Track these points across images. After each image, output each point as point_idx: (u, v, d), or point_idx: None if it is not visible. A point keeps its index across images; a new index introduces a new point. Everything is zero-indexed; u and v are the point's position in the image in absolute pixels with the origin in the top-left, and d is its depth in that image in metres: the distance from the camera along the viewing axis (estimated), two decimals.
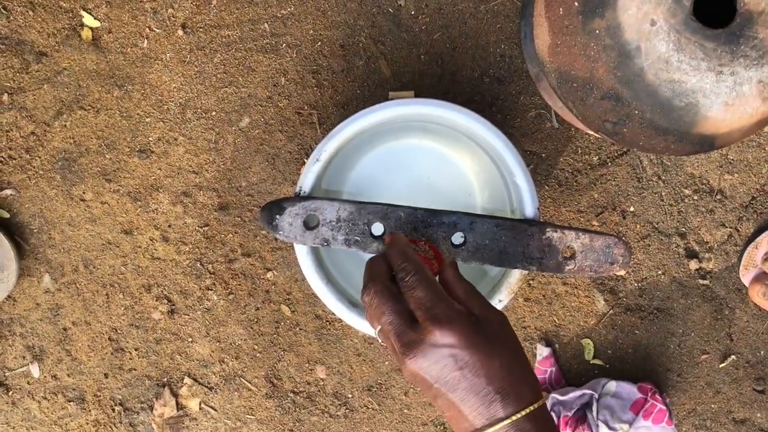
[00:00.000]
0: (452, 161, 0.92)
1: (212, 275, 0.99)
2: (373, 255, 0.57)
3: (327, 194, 0.89)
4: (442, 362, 0.50)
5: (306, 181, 0.81)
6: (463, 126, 0.81)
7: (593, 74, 0.71)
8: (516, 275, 0.82)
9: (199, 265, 0.99)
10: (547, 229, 0.80)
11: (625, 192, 0.99)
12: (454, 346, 0.49)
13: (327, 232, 0.78)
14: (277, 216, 0.80)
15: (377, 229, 0.80)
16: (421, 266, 0.54)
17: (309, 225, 0.79)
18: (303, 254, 0.82)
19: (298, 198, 0.80)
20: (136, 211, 0.98)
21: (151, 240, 0.99)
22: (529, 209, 0.81)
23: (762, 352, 1.02)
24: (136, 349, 1.01)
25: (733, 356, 1.02)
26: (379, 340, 0.55)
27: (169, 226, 0.98)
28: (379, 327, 0.53)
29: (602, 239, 0.80)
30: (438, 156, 0.93)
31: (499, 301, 0.83)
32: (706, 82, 0.69)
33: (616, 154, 0.98)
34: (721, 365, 1.02)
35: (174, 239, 0.99)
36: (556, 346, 1.02)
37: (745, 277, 1.00)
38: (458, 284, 0.58)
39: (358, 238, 0.79)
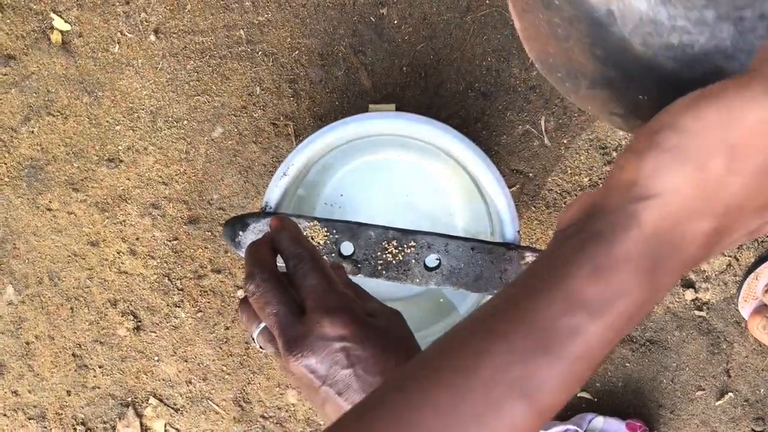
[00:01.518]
0: (432, 178, 0.89)
1: (180, 291, 0.96)
2: (255, 240, 0.51)
3: (298, 210, 0.86)
4: (331, 357, 0.44)
5: (272, 196, 0.78)
6: (440, 142, 0.78)
7: (570, 57, 0.59)
8: None
9: (167, 280, 0.96)
10: (527, 254, 0.77)
11: None
12: (345, 339, 0.44)
13: None
14: (240, 232, 0.77)
15: (347, 248, 0.77)
16: (315, 252, 0.48)
17: None
18: None
19: (263, 214, 0.77)
20: (103, 222, 0.96)
21: (118, 253, 0.96)
22: (509, 232, 0.78)
23: (762, 390, 0.97)
24: (100, 367, 0.98)
25: (730, 393, 0.97)
26: (257, 345, 0.49)
27: (137, 239, 0.96)
28: (259, 327, 0.48)
29: None
30: (418, 172, 0.90)
31: None
32: (723, 37, 0.47)
33: (607, 176, 0.94)
34: (717, 403, 0.98)
35: (142, 253, 0.96)
36: None
37: (744, 309, 0.96)
38: (350, 284, 0.53)
39: (326, 257, 0.76)
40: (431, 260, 0.78)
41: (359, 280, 0.90)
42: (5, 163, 0.95)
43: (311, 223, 0.76)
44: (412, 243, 0.77)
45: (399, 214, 0.90)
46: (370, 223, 0.77)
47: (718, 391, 0.98)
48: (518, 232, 0.79)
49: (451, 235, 0.77)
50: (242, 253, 0.76)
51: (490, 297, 0.78)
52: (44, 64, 0.94)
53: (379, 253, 0.77)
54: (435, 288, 0.79)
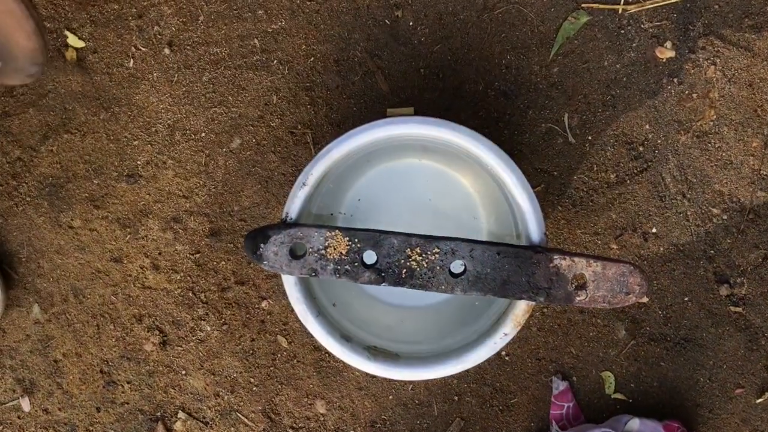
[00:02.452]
0: (455, 181, 0.88)
1: (205, 305, 0.96)
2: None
3: (319, 219, 0.85)
4: None
5: (292, 206, 0.77)
6: (461, 145, 0.76)
7: None
8: (522, 306, 0.76)
9: (191, 294, 0.96)
10: (555, 257, 0.74)
11: (647, 212, 0.93)
12: None
13: (315, 261, 0.74)
14: (262, 245, 0.75)
15: (369, 257, 0.75)
16: None
17: (296, 254, 0.74)
18: (290, 285, 0.78)
19: (284, 225, 0.76)
20: (125, 238, 0.95)
21: (141, 268, 0.96)
22: (535, 234, 0.76)
23: None
24: (128, 382, 0.98)
25: None
26: None
27: (160, 253, 0.95)
28: None
29: (616, 267, 0.74)
30: (440, 176, 0.88)
31: (504, 334, 0.77)
32: None
33: (635, 171, 0.92)
34: (758, 400, 0.95)
35: (165, 267, 0.96)
36: (574, 379, 0.96)
37: None
38: None
39: (349, 268, 0.74)
40: (456, 266, 0.75)
41: (383, 289, 0.90)
42: (26, 183, 0.96)
43: (333, 233, 0.74)
44: (437, 249, 0.75)
45: (422, 219, 0.89)
46: (393, 231, 0.75)
47: (759, 389, 0.95)
48: (545, 234, 0.77)
49: (476, 240, 0.75)
50: (265, 266, 0.75)
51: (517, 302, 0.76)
52: (60, 82, 0.94)
53: (402, 261, 0.75)
54: (461, 295, 0.77)
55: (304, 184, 0.76)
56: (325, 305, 0.82)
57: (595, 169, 0.92)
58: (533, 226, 0.76)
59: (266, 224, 0.78)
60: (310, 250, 0.73)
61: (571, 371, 0.96)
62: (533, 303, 0.76)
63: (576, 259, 0.73)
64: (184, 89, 0.93)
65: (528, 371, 0.96)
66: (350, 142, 0.76)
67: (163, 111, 0.93)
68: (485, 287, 0.75)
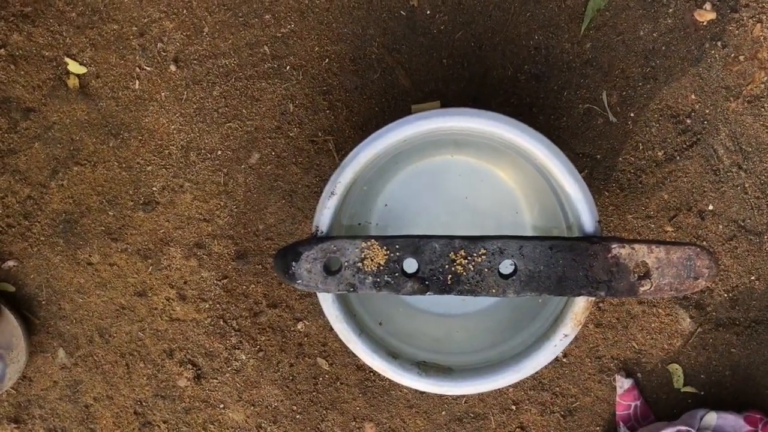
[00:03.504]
0: (492, 175, 0.83)
1: (238, 332, 0.92)
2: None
3: (350, 230, 0.80)
4: None
5: (322, 219, 0.72)
6: (496, 134, 0.71)
7: None
8: (581, 303, 0.71)
9: (222, 322, 0.91)
10: (613, 245, 0.69)
11: (701, 189, 0.87)
12: None
13: (352, 275, 0.69)
14: (293, 263, 0.71)
15: (410, 265, 0.70)
16: None
17: (331, 269, 0.70)
18: (328, 304, 0.73)
19: (315, 239, 0.71)
20: (147, 270, 0.91)
21: (167, 300, 0.92)
22: (588, 223, 0.71)
23: None
24: (164, 422, 0.94)
25: None
26: None
27: (185, 282, 0.91)
28: None
29: (681, 250, 0.69)
30: (475, 171, 0.84)
31: (565, 335, 0.72)
32: None
33: (684, 146, 0.86)
34: None
35: (192, 297, 0.91)
36: (639, 375, 0.90)
37: None
38: None
39: (389, 279, 0.70)
40: (506, 267, 0.71)
41: (427, 299, 0.85)
42: (39, 222, 0.92)
43: (369, 243, 0.70)
44: (483, 250, 0.70)
45: (460, 219, 0.85)
46: (433, 234, 0.70)
47: None
48: (598, 222, 0.72)
49: (525, 236, 0.70)
50: (299, 286, 0.70)
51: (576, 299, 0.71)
52: (65, 112, 0.90)
53: (447, 267, 0.70)
54: (514, 297, 0.72)
55: (332, 194, 0.72)
56: (367, 322, 0.78)
57: (640, 147, 0.87)
58: (585, 215, 0.71)
59: (296, 240, 0.74)
60: (346, 264, 0.69)
61: (635, 367, 0.90)
62: (593, 299, 0.71)
63: (636, 246, 0.69)
64: (195, 107, 0.89)
65: (588, 371, 0.90)
66: (378, 143, 0.72)
67: (174, 132, 0.89)
68: (540, 286, 0.70)
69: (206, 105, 0.89)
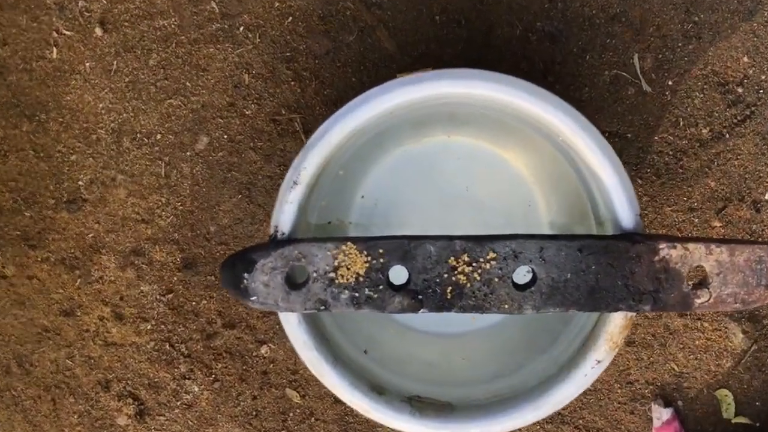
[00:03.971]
0: (498, 160, 0.74)
1: (188, 358, 0.81)
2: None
3: (321, 231, 0.68)
4: None
5: (282, 217, 0.60)
6: (506, 103, 0.59)
7: None
8: (618, 321, 0.59)
9: (168, 346, 0.81)
10: (661, 245, 0.58)
11: (755, 173, 0.77)
12: None
13: (323, 289, 0.57)
14: (246, 275, 0.59)
15: (398, 275, 0.58)
16: None
17: (295, 282, 0.58)
18: (293, 326, 0.62)
19: (274, 244, 0.59)
20: (74, 283, 0.80)
21: (100, 320, 0.81)
22: (627, 218, 0.60)
23: None
24: None
25: None
26: None
27: (121, 298, 0.81)
28: None
29: (749, 251, 0.60)
30: (477, 155, 0.73)
31: (597, 362, 0.61)
32: None
33: (735, 121, 0.75)
34: None
35: (130, 316, 0.80)
36: (680, 403, 0.79)
37: None
38: None
39: (371, 294, 0.57)
40: (521, 275, 0.58)
41: (421, 316, 0.72)
42: None
43: (344, 247, 0.57)
44: (492, 254, 0.57)
45: (459, 216, 0.74)
46: (427, 235, 0.57)
47: None
48: (639, 215, 0.58)
49: (547, 235, 0.57)
50: (254, 304, 0.57)
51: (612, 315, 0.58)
52: None
53: (446, 276, 0.57)
54: (532, 314, 0.57)
55: (295, 183, 0.59)
56: (344, 347, 0.64)
57: (681, 123, 0.76)
58: (624, 208, 0.59)
59: (250, 246, 0.60)
60: (315, 274, 0.57)
61: (675, 394, 0.79)
62: (634, 314, 0.59)
63: (691, 246, 0.58)
64: (127, 80, 0.77)
65: (618, 400, 0.80)
66: (354, 116, 0.59)
67: (103, 112, 0.78)
68: (566, 300, 0.58)
69: (141, 78, 0.78)
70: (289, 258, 0.56)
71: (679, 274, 0.56)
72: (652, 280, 0.56)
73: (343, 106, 0.58)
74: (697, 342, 0.78)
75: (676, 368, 0.78)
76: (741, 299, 0.57)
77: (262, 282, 0.57)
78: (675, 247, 0.56)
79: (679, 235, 0.74)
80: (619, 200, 0.57)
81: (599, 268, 0.56)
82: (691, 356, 0.78)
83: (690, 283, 0.56)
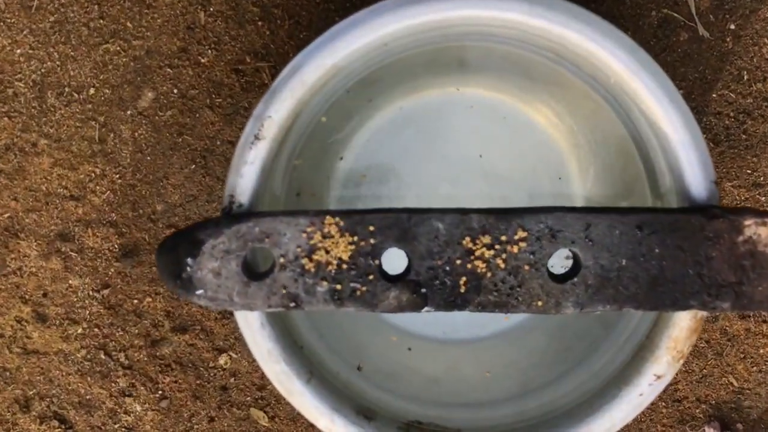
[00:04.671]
0: (522, 119, 0.63)
1: (128, 370, 0.69)
2: None
3: (295, 203, 0.55)
4: None
5: (241, 182, 0.48)
6: (540, 32, 0.47)
7: None
8: (685, 322, 0.47)
9: (103, 355, 0.69)
10: (747, 222, 0.48)
11: None
12: None
13: (293, 279, 0.45)
14: (189, 260, 0.46)
15: (395, 261, 0.46)
16: None
17: (256, 270, 0.46)
18: (254, 330, 0.51)
19: (229, 218, 0.46)
20: None
21: (18, 322, 0.70)
22: (700, 186, 0.50)
23: None
24: None
25: None
26: None
27: (45, 294, 0.69)
28: None
29: None
30: (494, 113, 0.62)
31: (657, 377, 0.51)
32: None
33: None
34: None
35: (56, 316, 0.69)
36: (740, 426, 0.68)
37: None
38: None
39: (358, 284, 0.45)
40: (558, 260, 0.46)
41: (422, 316, 0.60)
42: None
43: (323, 223, 0.44)
44: (521, 233, 0.45)
45: (471, 190, 0.64)
46: (434, 208, 0.45)
47: None
48: (714, 182, 0.46)
49: (596, 208, 0.44)
50: (199, 299, 0.44)
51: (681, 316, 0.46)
52: None
53: (458, 262, 0.46)
54: (575, 313, 0.45)
55: (256, 138, 0.47)
56: (322, 355, 0.52)
57: (745, 78, 0.65)
58: (695, 172, 0.49)
59: (196, 222, 0.47)
60: (282, 260, 0.45)
61: (733, 414, 0.68)
62: (706, 314, 0.48)
63: None
64: (52, 19, 0.66)
65: (663, 422, 0.70)
66: (334, 49, 0.48)
67: (22, 60, 0.66)
68: (620, 295, 0.47)
69: (70, 16, 0.65)
70: (248, 238, 0.44)
71: None
72: (734, 269, 0.44)
73: (321, 34, 0.45)
74: (761, 351, 0.66)
75: (734, 383, 0.67)
76: None
77: (212, 270, 0.44)
78: (765, 224, 0.44)
79: None
80: (689, 163, 0.45)
81: (664, 251, 0.44)
82: (755, 368, 0.67)
83: None
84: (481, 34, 0.47)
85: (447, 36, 0.47)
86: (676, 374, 0.66)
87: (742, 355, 0.67)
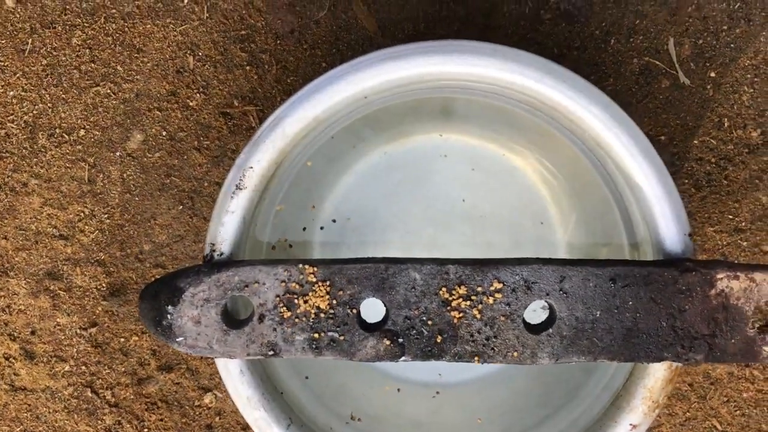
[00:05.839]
0: (506, 165, 0.63)
1: (115, 408, 0.69)
2: None
3: (276, 253, 0.55)
4: None
5: (222, 231, 0.49)
6: (519, 89, 0.48)
7: None
8: (660, 373, 0.48)
9: (90, 393, 0.69)
10: (719, 275, 0.48)
11: None
12: None
13: (272, 328, 0.45)
14: (170, 308, 0.47)
15: (372, 310, 0.47)
16: None
17: (236, 318, 0.47)
18: (233, 377, 0.50)
19: (209, 267, 0.46)
20: None
21: (6, 359, 0.69)
22: (674, 238, 0.50)
23: None
24: None
25: None
26: None
27: (33, 332, 0.69)
28: None
29: None
30: (478, 159, 0.62)
31: (632, 426, 0.50)
32: None
33: None
34: None
35: (44, 354, 0.69)
36: None
37: None
38: None
39: (336, 334, 0.46)
40: (534, 311, 0.46)
41: (404, 365, 0.61)
42: None
43: (300, 273, 0.44)
44: (497, 284, 0.45)
45: (454, 235, 0.63)
46: (411, 257, 0.45)
47: None
48: (689, 235, 0.46)
49: (570, 260, 0.45)
50: (179, 346, 0.45)
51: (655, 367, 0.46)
52: None
53: (435, 312, 0.46)
54: (550, 364, 0.46)
55: (238, 188, 0.47)
56: (303, 402, 0.52)
57: (726, 125, 0.65)
58: (669, 224, 0.50)
59: (178, 269, 0.48)
60: (262, 308, 0.45)
61: None
62: (681, 366, 0.48)
63: (758, 276, 0.48)
64: (44, 62, 0.66)
65: None
66: (316, 102, 0.48)
67: (14, 101, 0.67)
68: (594, 346, 0.48)
69: (62, 59, 0.66)
70: (228, 286, 0.45)
71: (742, 313, 0.45)
72: (707, 321, 0.45)
73: (304, 86, 0.46)
74: (745, 395, 0.66)
75: (718, 426, 0.66)
76: None
77: (192, 318, 0.45)
78: (737, 278, 0.45)
79: (752, 262, 0.63)
80: (664, 216, 0.46)
81: (638, 304, 0.45)
82: (738, 412, 0.66)
83: (756, 325, 0.45)
84: (461, 88, 0.48)
85: (428, 89, 0.48)
86: (659, 417, 0.66)
87: (725, 399, 0.67)
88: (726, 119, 0.65)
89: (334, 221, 0.61)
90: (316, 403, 0.53)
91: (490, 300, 0.44)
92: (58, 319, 0.68)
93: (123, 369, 0.68)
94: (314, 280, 0.44)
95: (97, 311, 0.67)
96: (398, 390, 0.60)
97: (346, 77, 0.46)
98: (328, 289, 0.44)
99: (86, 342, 0.68)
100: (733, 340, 0.45)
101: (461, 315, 0.44)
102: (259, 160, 0.46)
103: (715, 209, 0.66)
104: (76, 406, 0.68)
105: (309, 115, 0.46)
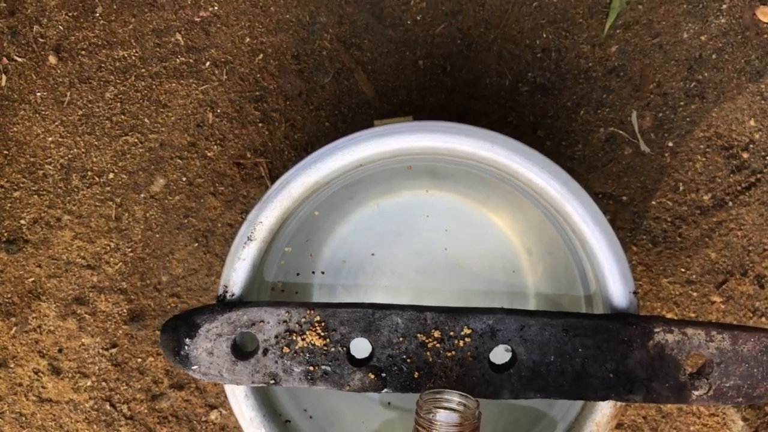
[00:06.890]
0: (482, 220, 0.68)
1: (130, 420, 0.74)
2: None
3: (282, 292, 0.61)
4: None
5: (234, 276, 0.55)
6: (490, 161, 0.54)
7: None
8: (606, 410, 0.53)
9: (108, 406, 0.74)
10: (656, 329, 0.53)
11: (760, 245, 0.71)
12: None
13: (274, 361, 0.52)
14: (187, 340, 0.53)
15: (360, 348, 0.53)
16: None
17: (243, 350, 0.53)
18: (239, 401, 0.56)
19: (222, 306, 0.53)
20: (9, 331, 0.74)
21: (35, 373, 0.74)
22: (620, 295, 0.55)
23: None
24: None
25: None
26: None
27: (60, 350, 0.74)
28: None
29: (754, 339, 0.57)
30: (458, 214, 0.68)
31: None
32: None
33: (739, 188, 0.69)
34: None
35: (69, 370, 0.74)
36: None
37: None
38: None
39: (329, 367, 0.52)
40: (499, 354, 0.52)
41: (385, 397, 0.66)
42: None
43: (299, 314, 0.51)
44: (466, 330, 0.52)
45: (437, 279, 0.69)
46: (394, 304, 0.52)
47: None
48: (634, 293, 0.53)
49: (528, 311, 0.51)
50: (195, 373, 0.51)
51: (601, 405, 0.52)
52: None
53: (413, 352, 0.52)
54: (509, 399, 0.52)
55: (249, 240, 0.54)
56: (300, 425, 0.58)
57: (681, 188, 0.70)
58: (616, 283, 0.55)
59: (195, 307, 0.54)
60: (266, 344, 0.51)
61: None
62: (623, 404, 0.54)
63: (689, 331, 0.53)
64: (80, 113, 0.72)
65: None
66: (320, 167, 0.54)
67: (52, 146, 0.72)
68: (548, 386, 0.53)
69: (96, 111, 0.72)
70: (237, 324, 0.51)
71: (675, 361, 0.51)
72: (645, 368, 0.51)
73: (307, 156, 0.53)
74: (692, 428, 0.71)
75: None
76: (744, 393, 0.51)
77: (206, 349, 0.51)
78: (672, 332, 0.51)
79: (676, 317, 0.69)
80: (611, 276, 0.52)
81: (587, 351, 0.51)
82: None
83: (687, 372, 0.51)
84: (443, 159, 0.55)
85: (414, 159, 0.55)
86: None
87: (675, 431, 0.73)
88: (681, 184, 0.71)
89: (332, 267, 0.67)
90: (318, 428, 0.59)
91: (461, 343, 0.51)
92: (83, 340, 0.74)
93: (139, 386, 0.74)
94: (311, 320, 0.51)
95: (118, 334, 0.74)
96: (375, 411, 0.66)
97: (345, 148, 0.52)
98: (323, 329, 0.51)
99: (107, 361, 0.74)
100: (667, 384, 0.51)
101: (435, 356, 0.51)
102: (267, 216, 0.53)
103: (670, 263, 0.72)
104: (96, 418, 0.74)
105: (311, 180, 0.53)
